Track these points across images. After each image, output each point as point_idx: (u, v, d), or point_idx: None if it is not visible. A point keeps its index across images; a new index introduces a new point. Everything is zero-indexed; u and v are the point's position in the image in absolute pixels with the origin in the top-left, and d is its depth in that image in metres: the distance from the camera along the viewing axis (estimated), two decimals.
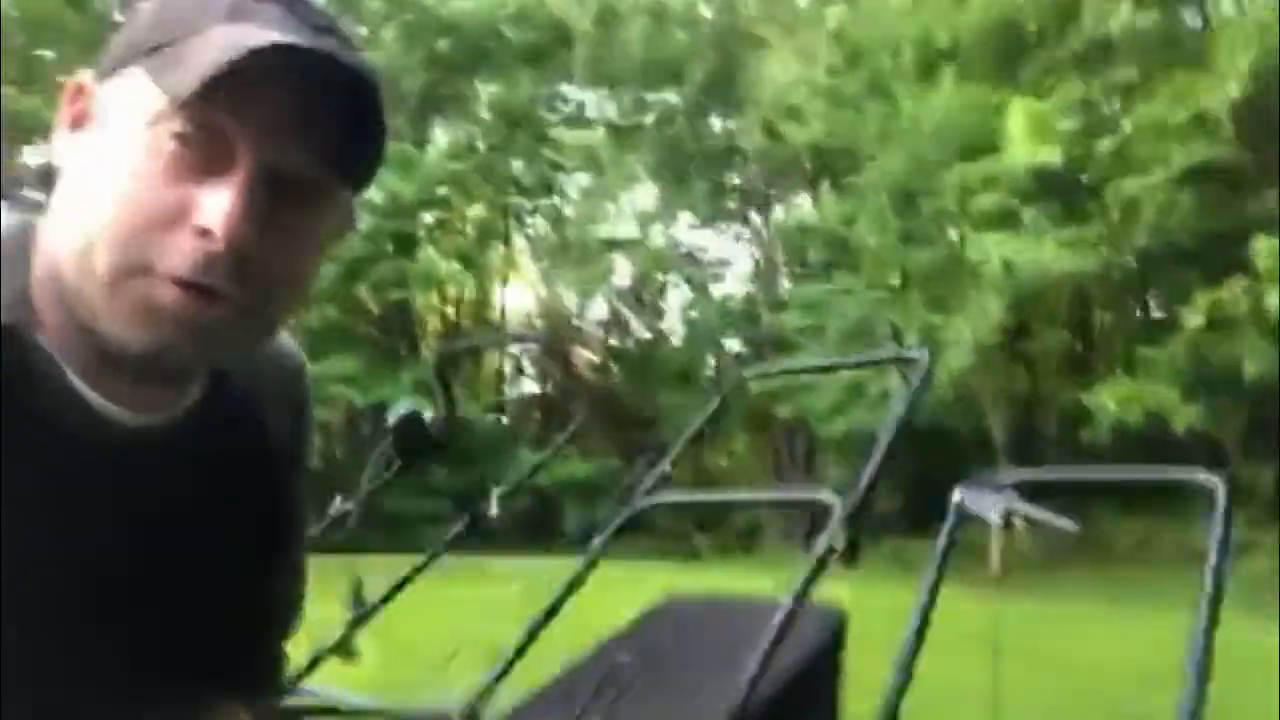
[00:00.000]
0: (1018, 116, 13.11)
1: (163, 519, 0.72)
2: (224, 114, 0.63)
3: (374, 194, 19.89)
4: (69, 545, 0.68)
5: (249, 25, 0.63)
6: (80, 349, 0.66)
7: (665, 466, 2.90)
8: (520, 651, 2.34)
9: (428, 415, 2.85)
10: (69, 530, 0.68)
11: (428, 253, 20.39)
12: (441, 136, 23.50)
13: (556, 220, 24.27)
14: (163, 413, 0.71)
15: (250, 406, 0.77)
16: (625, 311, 25.10)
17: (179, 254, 0.63)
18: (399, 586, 2.66)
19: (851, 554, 2.07)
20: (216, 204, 0.62)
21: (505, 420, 23.76)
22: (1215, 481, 1.85)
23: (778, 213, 23.08)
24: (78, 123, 0.68)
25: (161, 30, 0.65)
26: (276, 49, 0.61)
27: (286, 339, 0.81)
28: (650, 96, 23.13)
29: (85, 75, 0.69)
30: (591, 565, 2.54)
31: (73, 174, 0.67)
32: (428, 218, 22.28)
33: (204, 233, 0.62)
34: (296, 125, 0.64)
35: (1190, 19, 14.73)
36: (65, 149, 0.68)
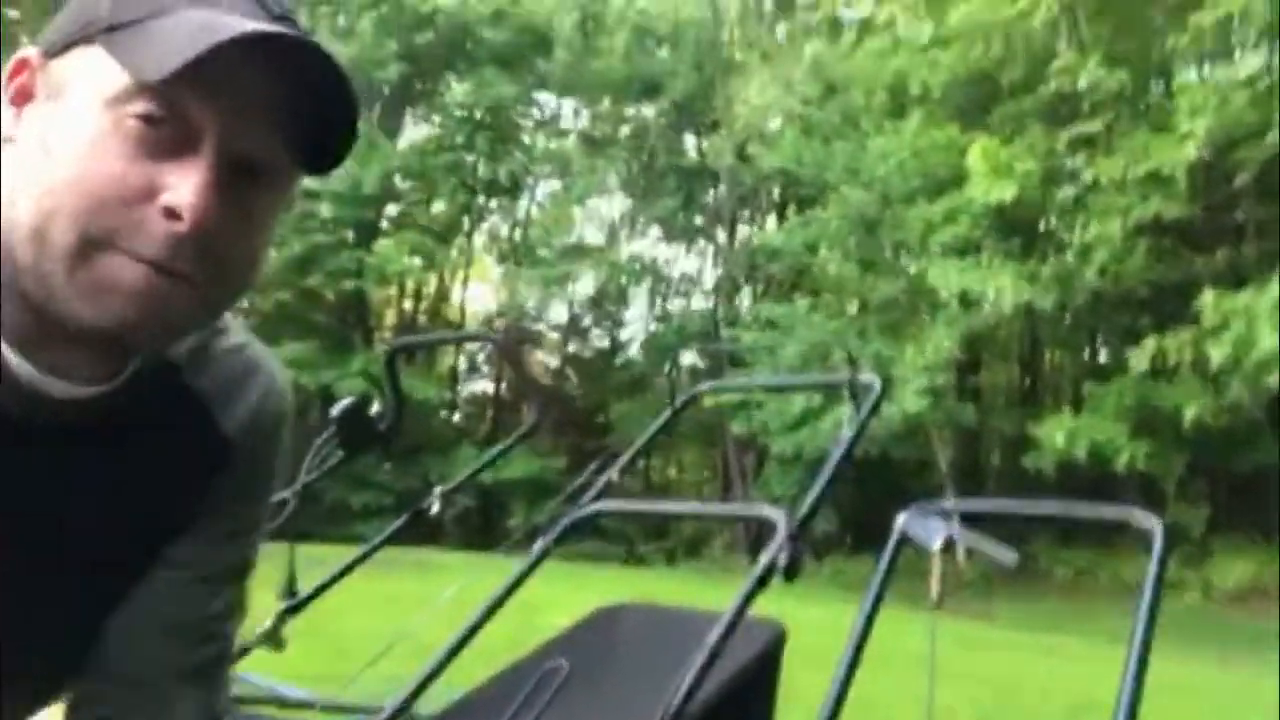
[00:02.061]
0: (978, 154, 13.44)
1: (75, 494, 0.70)
2: (192, 97, 0.62)
3: (336, 181, 19.68)
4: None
5: (215, 10, 0.62)
6: (20, 320, 0.65)
7: (614, 473, 2.90)
8: (456, 649, 2.32)
9: (374, 408, 2.82)
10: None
11: (386, 245, 20.20)
12: (413, 130, 23.35)
13: (521, 223, 24.22)
14: (96, 385, 0.69)
15: (196, 400, 0.76)
16: (585, 319, 25.10)
17: (146, 234, 0.62)
18: (334, 579, 2.62)
19: (791, 570, 2.08)
20: (184, 186, 0.62)
21: (456, 417, 23.58)
22: (1154, 522, 1.89)
23: (743, 233, 23.24)
24: (21, 98, 0.67)
25: (122, 9, 0.64)
26: (253, 37, 0.61)
27: (272, 372, 0.80)
28: (627, 110, 23.21)
29: (31, 50, 0.68)
30: (534, 566, 2.52)
31: (22, 149, 0.65)
32: (391, 210, 22.09)
33: (171, 214, 0.62)
34: (265, 111, 0.64)
35: (1155, 83, 15.21)
36: (9, 124, 0.67)
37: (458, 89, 22.04)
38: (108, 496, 0.72)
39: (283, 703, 2.46)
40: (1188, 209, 13.19)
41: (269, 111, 0.64)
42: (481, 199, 23.28)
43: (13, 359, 0.65)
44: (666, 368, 21.70)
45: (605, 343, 24.94)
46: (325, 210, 19.64)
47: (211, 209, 0.62)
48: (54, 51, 0.66)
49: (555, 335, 25.39)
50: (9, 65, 0.68)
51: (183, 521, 0.76)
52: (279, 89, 0.63)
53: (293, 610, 2.49)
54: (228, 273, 0.66)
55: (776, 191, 22.37)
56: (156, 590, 0.75)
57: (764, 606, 2.10)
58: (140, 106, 0.62)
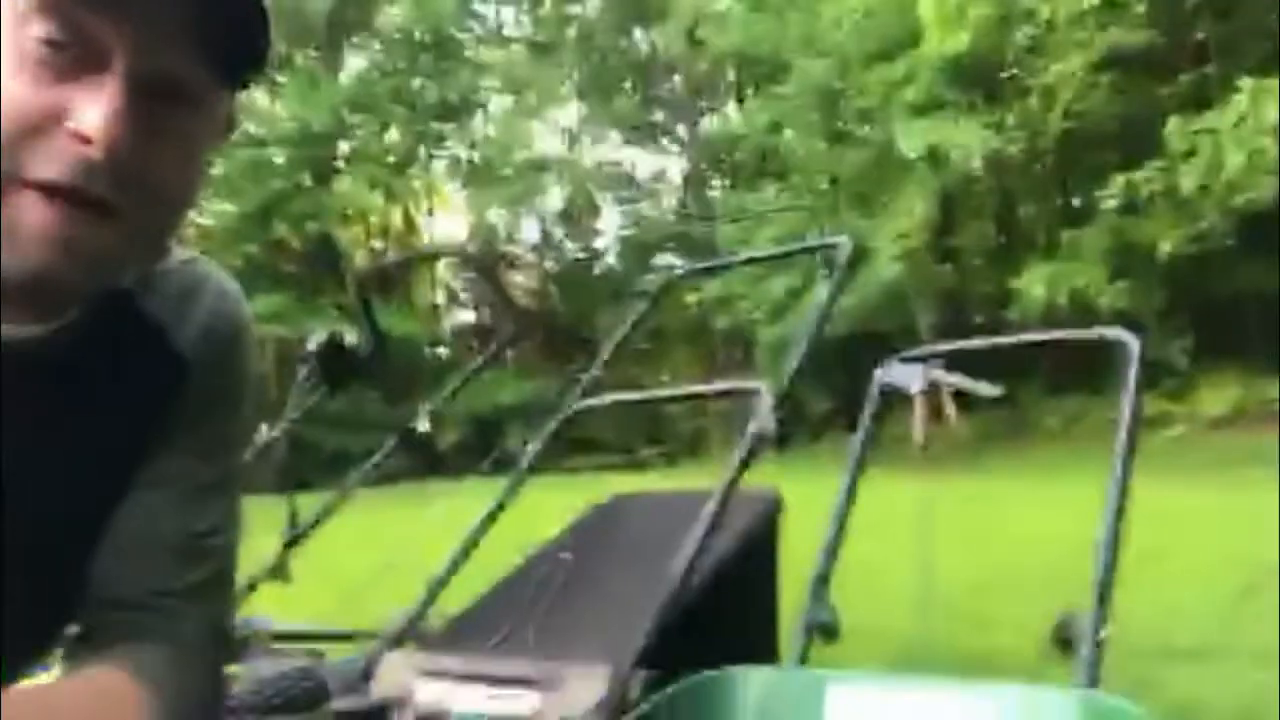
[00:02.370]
0: (929, 4, 13.10)
1: (38, 434, 0.68)
2: (92, 14, 0.59)
3: (284, 124, 19.17)
4: None
5: None
6: None
7: (596, 371, 2.89)
8: (456, 565, 2.34)
9: (350, 339, 2.79)
10: None
11: (343, 183, 19.83)
12: (353, 62, 22.68)
13: (479, 143, 23.75)
14: (45, 323, 0.67)
15: (148, 321, 0.73)
16: (558, 234, 24.87)
17: (54, 160, 0.59)
18: (330, 509, 2.63)
19: (781, 440, 2.10)
20: (92, 109, 0.58)
21: (443, 351, 23.56)
22: (1128, 336, 1.90)
23: (705, 124, 22.86)
24: None
25: None
26: None
27: (220, 281, 0.78)
28: (570, 9, 22.53)
29: None
30: (526, 475, 2.53)
31: None
32: (344, 147, 21.61)
33: (80, 138, 0.58)
34: (170, 23, 0.60)
35: None
36: None
37: (393, 11, 21.32)
38: (71, 431, 0.70)
39: (293, 637, 2.50)
40: (1147, 35, 12.97)
41: (180, 25, 0.60)
42: (434, 124, 22.76)
43: None
44: (644, 273, 21.61)
45: (581, 254, 24.78)
46: (278, 156, 19.20)
47: (122, 130, 0.59)
48: None
49: (530, 255, 25.19)
50: None
51: (153, 444, 0.75)
52: (187, 1, 0.60)
53: (293, 542, 2.51)
54: (154, 199, 0.62)
55: (733, 75, 21.93)
56: (140, 512, 0.74)
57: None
58: (41, 29, 0.59)
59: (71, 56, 0.59)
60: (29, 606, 0.71)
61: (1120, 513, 1.51)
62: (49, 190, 0.59)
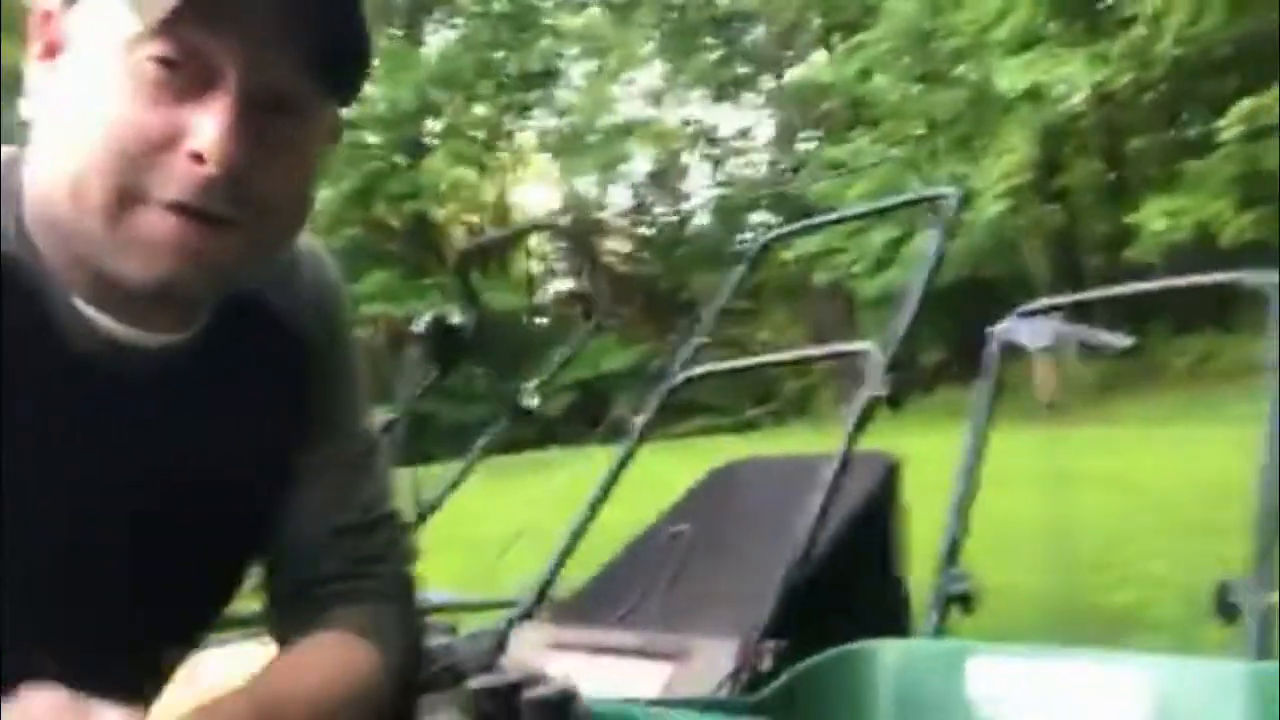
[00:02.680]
0: None
1: (188, 436, 0.72)
2: (203, 33, 0.61)
3: (376, 106, 19.54)
4: (92, 471, 0.68)
5: None
6: (84, 278, 0.65)
7: (699, 338, 2.88)
8: (579, 534, 2.38)
9: (456, 319, 2.85)
10: (92, 456, 0.68)
11: (435, 160, 20.11)
12: (435, 39, 22.90)
13: (564, 111, 23.75)
14: (179, 332, 0.70)
15: (274, 314, 0.76)
16: (649, 197, 24.77)
17: (174, 180, 0.62)
18: (453, 485, 2.70)
19: (895, 401, 2.05)
20: (207, 127, 0.61)
21: (544, 321, 23.84)
22: (1268, 281, 1.78)
23: (791, 75, 22.34)
24: (49, 52, 0.66)
25: None
26: None
27: (311, 248, 0.81)
28: None
29: (51, 2, 0.66)
30: (638, 444, 2.55)
31: (52, 104, 0.65)
32: (434, 125, 21.91)
33: (197, 157, 0.61)
34: (277, 39, 0.63)
35: None
36: (40, 80, 0.66)
37: None
38: (214, 431, 0.74)
39: (428, 608, 2.58)
40: None
41: (285, 40, 0.63)
42: (518, 95, 22.85)
43: (89, 311, 0.66)
44: (739, 232, 21.35)
45: (673, 218, 24.64)
46: (371, 137, 19.60)
47: (237, 147, 0.62)
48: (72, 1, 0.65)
49: (622, 220, 25.19)
50: (34, 18, 0.67)
51: (294, 429, 0.78)
52: (289, 14, 0.62)
53: (423, 517, 2.59)
54: (270, 209, 0.65)
55: (818, 23, 21.32)
56: (313, 501, 0.80)
57: (881, 444, 2.08)
58: (155, 49, 0.61)
59: (185, 75, 0.61)
60: (181, 604, 0.76)
61: (1275, 474, 1.43)
62: (171, 207, 0.62)
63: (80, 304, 0.66)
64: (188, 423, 0.72)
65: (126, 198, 0.62)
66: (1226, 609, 1.30)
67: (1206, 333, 14.05)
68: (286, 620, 0.80)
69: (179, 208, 0.62)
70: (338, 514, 0.81)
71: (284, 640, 0.79)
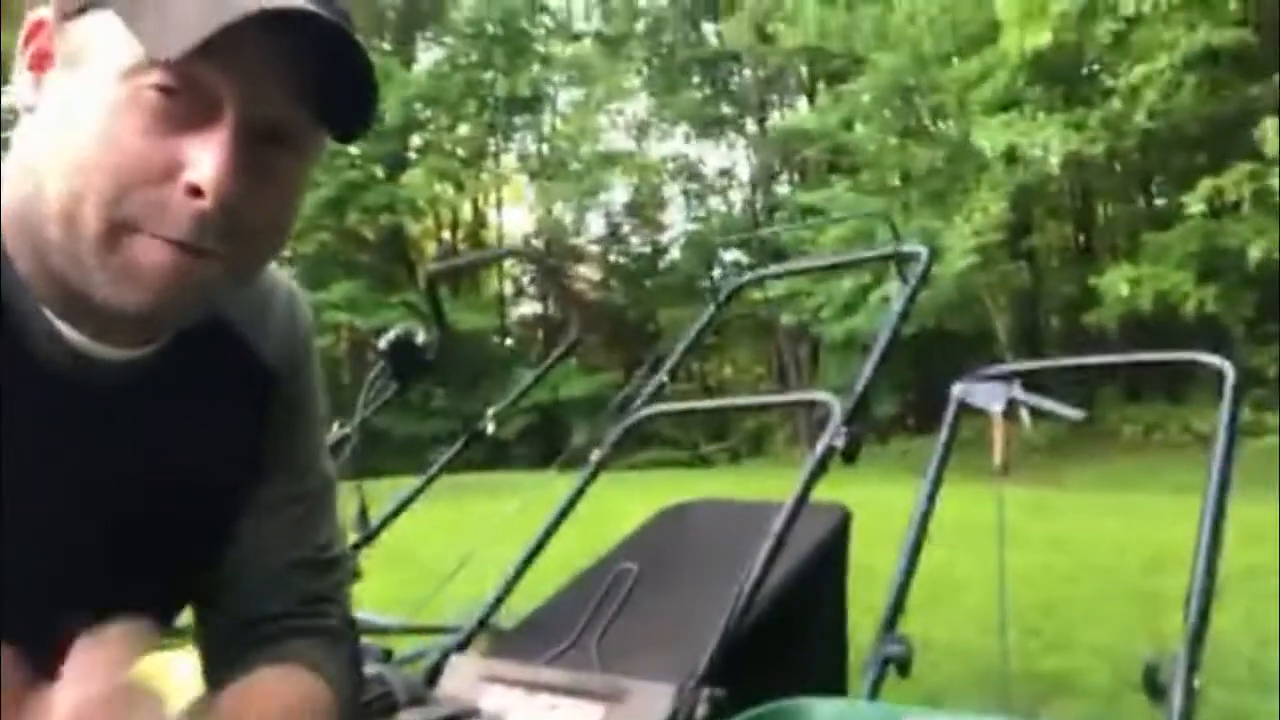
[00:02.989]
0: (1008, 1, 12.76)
1: (146, 449, 0.71)
2: (208, 67, 0.61)
3: None
4: (60, 480, 0.68)
5: None
6: (53, 290, 0.65)
7: (662, 376, 2.88)
8: (527, 562, 2.35)
9: (420, 337, 2.83)
10: (60, 467, 0.68)
11: (414, 175, 20.10)
12: (425, 55, 22.98)
13: (548, 137, 23.88)
14: (143, 347, 0.70)
15: (243, 341, 0.77)
16: (624, 227, 24.90)
17: (170, 215, 0.62)
18: (401, 508, 2.67)
19: (850, 456, 2.06)
20: (206, 161, 0.61)
21: (508, 341, 23.79)
22: (1223, 363, 1.82)
23: (774, 119, 22.66)
24: (39, 63, 0.66)
25: None
26: (264, 16, 0.60)
27: (289, 286, 0.82)
28: (640, 2, 22.50)
29: (44, 11, 0.66)
30: (593, 476, 2.53)
31: (45, 119, 0.64)
32: (416, 140, 21.93)
33: (195, 190, 0.61)
34: (282, 75, 0.63)
35: None
36: (28, 90, 0.66)
37: (465, 4, 21.53)
38: (172, 446, 0.73)
39: (365, 630, 2.54)
40: (1238, 33, 12.46)
41: (286, 75, 0.63)
42: (504, 117, 22.95)
43: (56, 321, 0.66)
44: (710, 269, 21.50)
45: (647, 249, 24.77)
46: (352, 148, 19.56)
47: (234, 182, 0.61)
48: (69, 13, 0.64)
49: (595, 248, 25.28)
50: (25, 28, 0.66)
51: (252, 456, 0.78)
52: (294, 55, 0.62)
53: (366, 540, 2.55)
54: (256, 242, 0.66)
55: (804, 71, 21.68)
56: (268, 534, 0.79)
57: (831, 494, 2.09)
58: (157, 78, 0.61)
59: (185, 105, 0.61)
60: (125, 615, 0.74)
61: (1214, 556, 1.45)
62: (165, 239, 0.62)
63: (48, 313, 0.66)
64: (146, 436, 0.72)
65: (120, 229, 0.62)
66: (1154, 688, 1.31)
67: (1156, 401, 14.35)
68: (229, 653, 0.79)
69: (174, 241, 0.62)
70: (294, 549, 0.81)
71: (221, 672, 0.77)
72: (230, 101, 0.62)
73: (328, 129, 0.67)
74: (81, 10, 0.64)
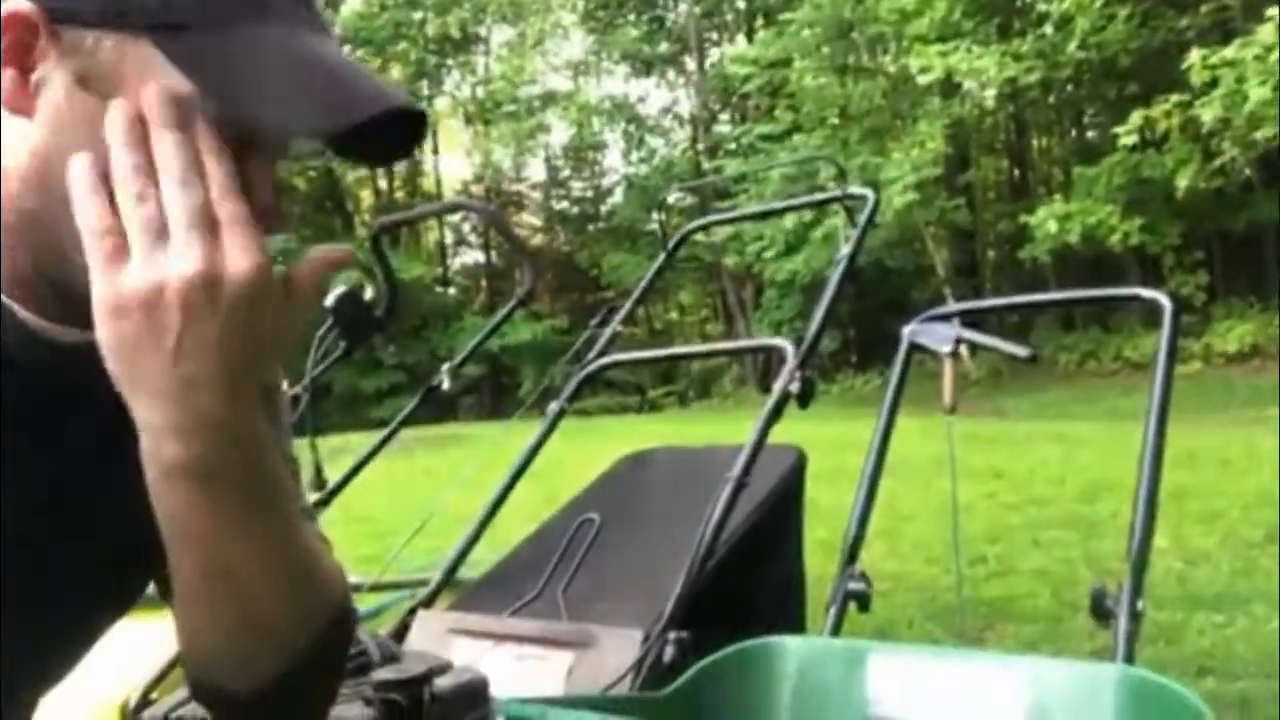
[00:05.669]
0: None
1: (100, 434, 0.70)
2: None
3: None
4: (13, 466, 0.66)
5: (283, 26, 0.59)
6: (15, 267, 0.63)
7: (616, 325, 2.89)
8: (489, 516, 2.37)
9: (369, 293, 2.79)
10: (38, 456, 0.67)
11: None
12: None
13: (482, 79, 23.35)
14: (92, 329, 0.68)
15: None
16: (565, 171, 24.59)
17: None
18: (358, 467, 2.65)
19: (805, 400, 2.10)
20: (260, 188, 0.61)
21: (451, 291, 23.51)
22: (1162, 298, 1.88)
23: (714, 56, 22.42)
24: (19, 55, 0.60)
25: (176, 5, 0.58)
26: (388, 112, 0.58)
27: None
28: None
29: (23, 5, 0.59)
30: (552, 428, 2.55)
31: (45, 126, 0.61)
32: None
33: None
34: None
35: None
36: (11, 88, 0.60)
37: None
38: (127, 433, 0.72)
39: None
40: None
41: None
42: (436, 58, 22.35)
43: (13, 305, 0.64)
44: (654, 211, 21.42)
45: (589, 194, 24.54)
46: None
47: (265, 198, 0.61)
48: (63, 18, 0.59)
49: (536, 193, 24.95)
50: (4, 19, 0.60)
51: None
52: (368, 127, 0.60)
53: (324, 502, 2.54)
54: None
55: (742, 5, 21.45)
56: None
57: (778, 431, 2.14)
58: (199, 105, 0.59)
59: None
60: (79, 608, 0.74)
61: (1155, 484, 1.52)
62: None
63: (6, 300, 0.63)
64: (98, 417, 0.70)
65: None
66: (1101, 612, 1.38)
67: (1090, 331, 14.76)
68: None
69: None
70: None
71: None
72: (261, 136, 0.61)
73: (354, 160, 0.68)
74: (89, 24, 0.59)
